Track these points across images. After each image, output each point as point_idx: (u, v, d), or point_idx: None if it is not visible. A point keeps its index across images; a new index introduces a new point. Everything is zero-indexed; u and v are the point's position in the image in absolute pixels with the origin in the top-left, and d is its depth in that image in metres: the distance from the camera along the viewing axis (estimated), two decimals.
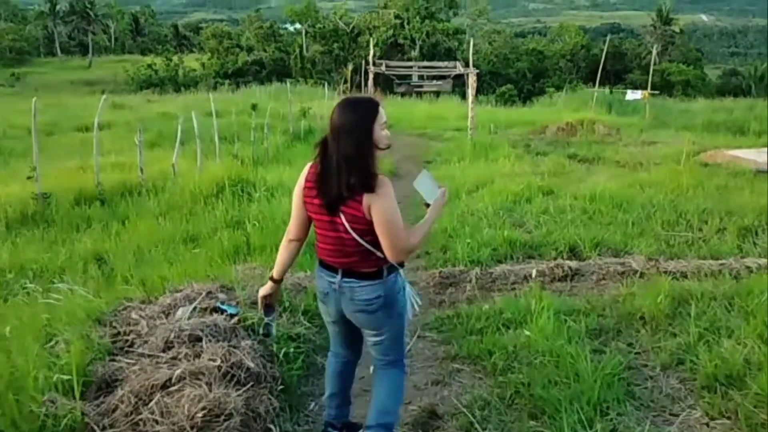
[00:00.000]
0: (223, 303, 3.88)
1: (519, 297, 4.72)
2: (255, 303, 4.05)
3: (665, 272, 5.39)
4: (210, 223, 7.53)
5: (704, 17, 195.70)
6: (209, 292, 4.03)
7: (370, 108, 2.58)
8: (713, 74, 69.03)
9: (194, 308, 3.72)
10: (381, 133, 2.57)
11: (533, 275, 4.97)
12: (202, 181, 9.70)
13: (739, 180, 10.96)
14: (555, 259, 5.84)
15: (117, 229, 7.58)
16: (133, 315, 3.74)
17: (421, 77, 19.55)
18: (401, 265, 2.77)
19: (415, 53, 49.18)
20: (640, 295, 4.53)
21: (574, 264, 5.56)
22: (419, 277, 5.65)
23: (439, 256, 6.13)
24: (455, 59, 24.57)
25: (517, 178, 11.11)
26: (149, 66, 53.19)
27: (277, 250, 6.25)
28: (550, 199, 8.84)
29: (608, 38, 29.56)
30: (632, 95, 23.34)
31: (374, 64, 18.57)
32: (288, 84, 27.30)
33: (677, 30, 62.46)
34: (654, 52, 24.45)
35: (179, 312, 3.69)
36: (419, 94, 31.96)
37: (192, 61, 59.63)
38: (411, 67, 19.90)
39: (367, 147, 2.53)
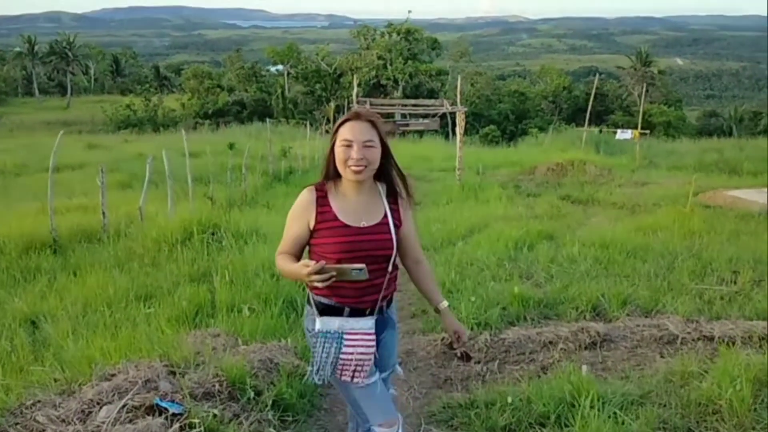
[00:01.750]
0: (163, 398, 2.91)
1: (548, 377, 3.78)
2: (208, 394, 3.09)
3: (709, 338, 4.51)
4: (172, 276, 6.55)
5: (679, 61, 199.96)
6: (147, 381, 3.05)
7: (338, 122, 2.44)
8: (691, 116, 69.68)
9: (123, 406, 2.75)
10: (339, 149, 2.38)
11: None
12: (169, 225, 8.73)
13: (749, 223, 10.25)
14: (577, 320, 4.93)
15: (64, 283, 6.57)
16: (40, 417, 2.76)
17: (405, 116, 18.84)
18: (322, 310, 2.43)
19: (398, 94, 48.85)
20: (698, 370, 3.62)
21: (600, 327, 4.65)
22: (417, 344, 4.71)
23: (439, 316, 5.18)
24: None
25: (512, 221, 10.35)
26: (128, 106, 52.34)
27: (248, 308, 5.34)
28: (554, 245, 8.00)
29: (597, 77, 29.22)
30: (622, 135, 22.85)
31: (358, 102, 17.85)
32: (268, 123, 26.56)
33: (656, 71, 63.06)
34: (642, 91, 24.06)
35: (101, 413, 2.72)
36: (402, 134, 31.38)
37: (172, 102, 58.89)
38: (397, 105, 19.17)
39: (329, 154, 2.44)
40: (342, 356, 2.37)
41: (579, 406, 3.18)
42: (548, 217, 11.12)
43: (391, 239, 2.41)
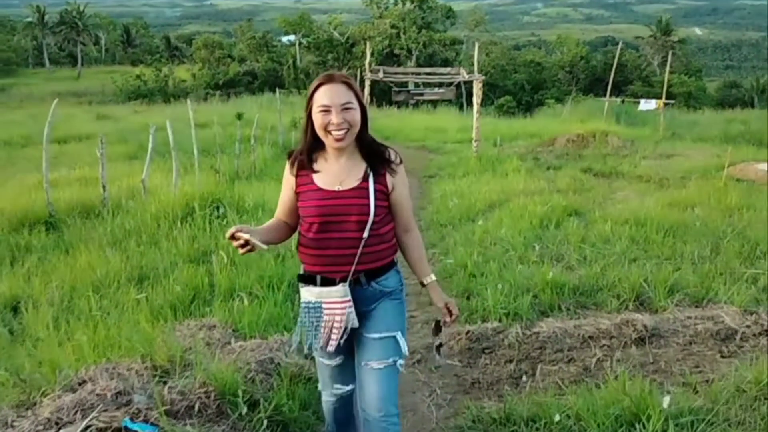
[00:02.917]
0: (134, 418, 2.39)
1: (597, 383, 3.22)
2: (191, 408, 2.57)
3: None
4: (170, 256, 6.03)
5: (698, 31, 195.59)
6: (119, 393, 2.53)
7: (311, 87, 2.35)
8: (710, 87, 68.16)
9: (86, 428, 2.23)
10: (317, 116, 2.29)
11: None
12: (170, 200, 8.20)
13: None
14: (619, 311, 4.36)
15: (54, 263, 6.07)
16: None
17: (418, 85, 18.11)
18: (304, 277, 2.41)
19: (411, 63, 47.81)
20: None
21: (647, 319, 4.08)
22: (438, 338, 4.16)
23: (462, 304, 4.61)
24: None
25: (534, 196, 9.79)
26: (138, 77, 51.67)
27: (249, 294, 4.82)
28: (583, 222, 7.41)
29: (620, 45, 28.09)
30: (646, 105, 21.93)
31: (371, 71, 17.15)
32: (278, 94, 25.92)
33: (676, 40, 61.46)
34: (668, 59, 23.13)
35: None
36: (416, 104, 30.59)
37: (183, 72, 58.13)
38: (411, 73, 18.40)
39: (307, 121, 2.35)
40: (322, 324, 2.34)
41: (643, 427, 2.63)
42: (572, 191, 10.52)
43: (368, 204, 2.30)
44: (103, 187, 9.31)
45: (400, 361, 2.42)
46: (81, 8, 76.11)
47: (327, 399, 2.55)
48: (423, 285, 2.50)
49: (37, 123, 27.47)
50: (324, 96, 2.26)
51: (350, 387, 2.50)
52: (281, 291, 4.79)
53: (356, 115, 2.28)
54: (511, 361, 3.70)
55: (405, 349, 2.43)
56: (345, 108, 2.25)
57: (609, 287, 4.74)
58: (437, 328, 2.58)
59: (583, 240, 6.28)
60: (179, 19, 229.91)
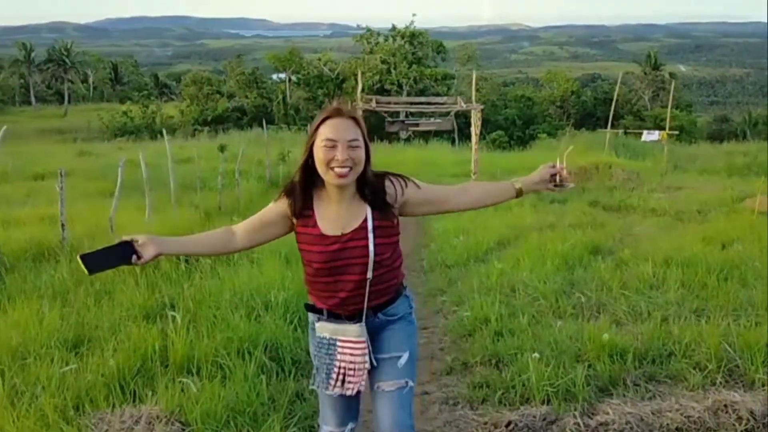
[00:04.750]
0: None
1: None
2: None
3: None
4: (121, 310, 4.90)
5: (682, 67, 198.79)
6: None
7: (318, 119, 2.22)
8: (698, 121, 68.56)
9: None
10: (320, 150, 2.15)
11: None
12: None
13: None
14: (704, 387, 3.27)
15: None
16: None
17: (413, 114, 17.22)
18: (312, 307, 2.33)
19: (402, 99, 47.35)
20: None
21: (749, 401, 2.98)
22: (464, 428, 3.05)
23: (493, 377, 3.50)
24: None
25: (547, 231, 8.86)
26: (124, 113, 50.88)
27: (211, 364, 3.64)
28: (613, 262, 6.37)
29: (619, 78, 27.48)
30: (649, 136, 21.22)
31: (362, 100, 16.25)
32: (265, 127, 25.17)
33: (667, 75, 61.84)
34: (671, 91, 22.44)
35: None
36: (408, 138, 29.87)
37: (171, 109, 57.44)
38: (405, 102, 17.53)
39: (306, 155, 2.22)
40: (335, 362, 2.24)
41: None
42: (588, 226, 9.53)
43: (367, 246, 2.19)
44: (62, 226, 8.25)
45: (411, 384, 2.33)
46: (68, 45, 75.75)
47: None
48: (520, 194, 2.31)
49: (16, 160, 26.49)
50: (331, 130, 2.15)
51: (348, 427, 2.37)
52: (254, 359, 3.67)
53: (361, 153, 2.17)
54: None
55: (414, 374, 2.38)
56: (351, 145, 2.14)
57: (683, 352, 3.65)
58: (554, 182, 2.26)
59: (623, 285, 5.21)
60: (170, 59, 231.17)
